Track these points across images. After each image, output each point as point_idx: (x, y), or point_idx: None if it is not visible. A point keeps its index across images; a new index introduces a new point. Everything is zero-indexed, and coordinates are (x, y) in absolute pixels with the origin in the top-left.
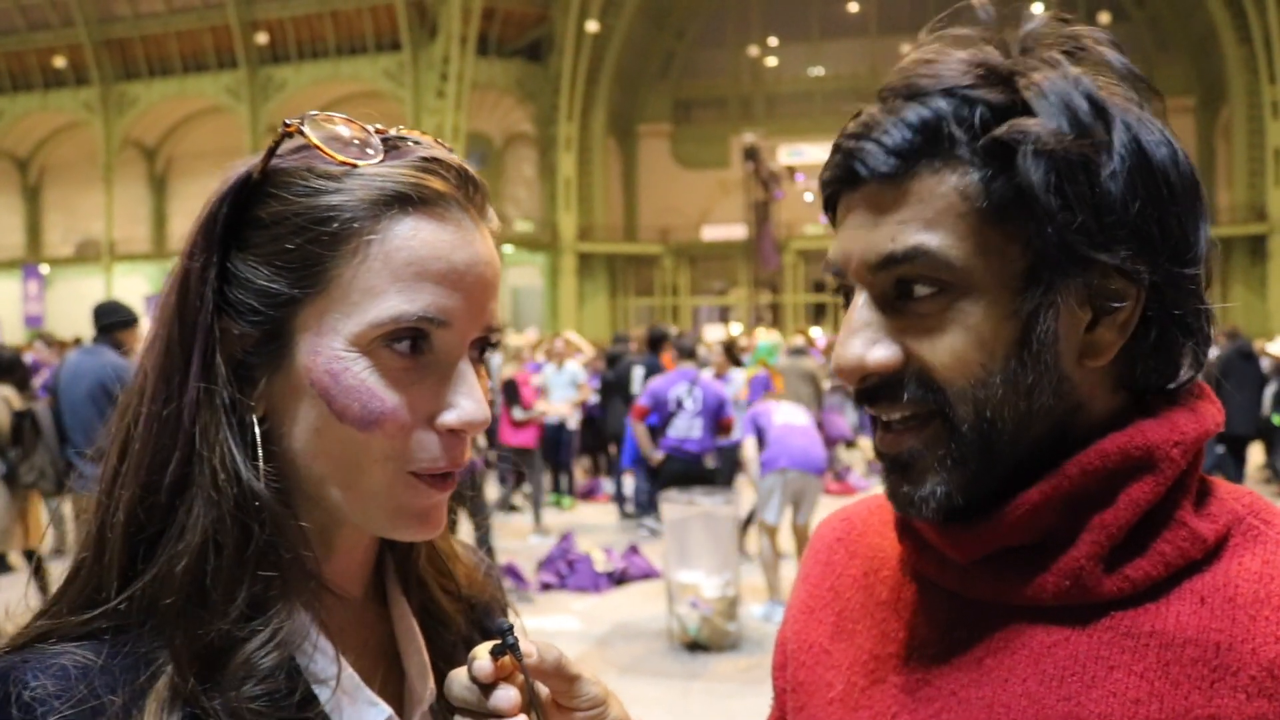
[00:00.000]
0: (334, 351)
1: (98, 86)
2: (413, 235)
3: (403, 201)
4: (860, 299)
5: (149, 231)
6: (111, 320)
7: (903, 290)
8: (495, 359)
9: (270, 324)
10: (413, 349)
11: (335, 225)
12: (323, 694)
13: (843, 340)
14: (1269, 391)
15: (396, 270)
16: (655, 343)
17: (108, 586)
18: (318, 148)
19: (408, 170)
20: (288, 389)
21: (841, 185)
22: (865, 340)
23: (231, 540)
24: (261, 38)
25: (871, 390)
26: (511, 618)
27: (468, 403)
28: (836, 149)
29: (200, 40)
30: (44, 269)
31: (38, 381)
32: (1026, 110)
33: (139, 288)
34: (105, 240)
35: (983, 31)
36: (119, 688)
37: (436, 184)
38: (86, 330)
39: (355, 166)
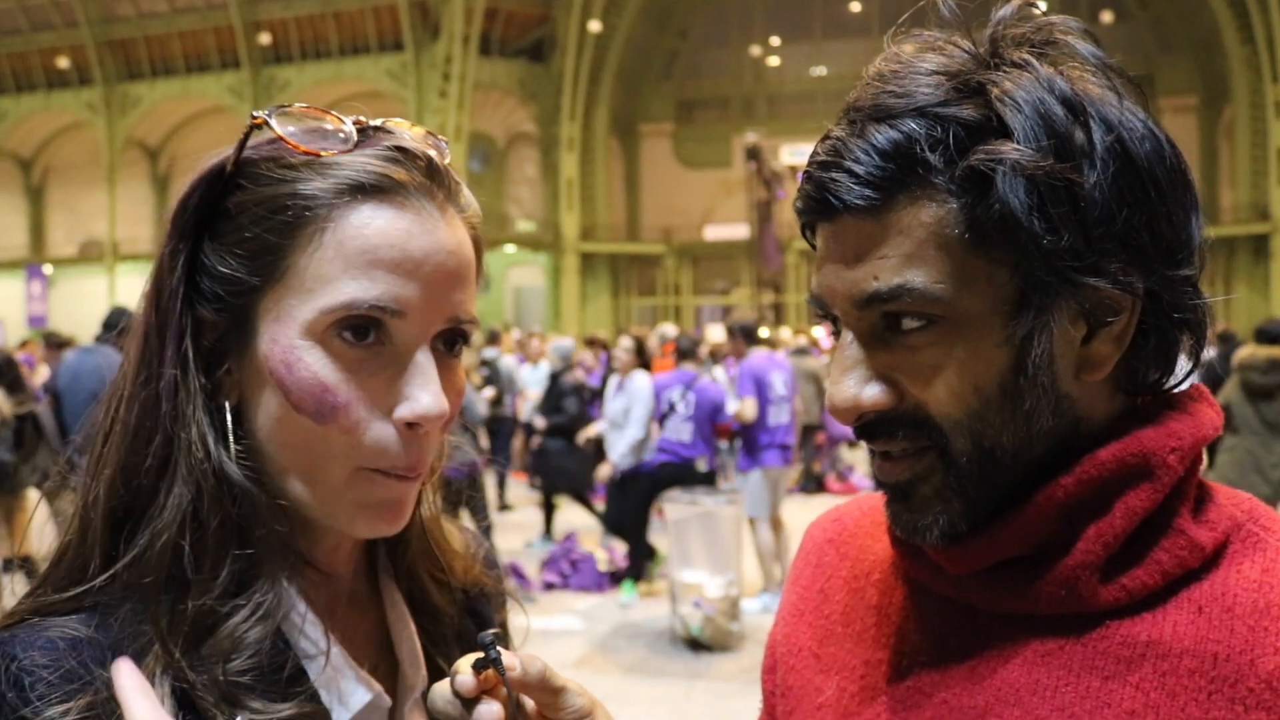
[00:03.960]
0: (289, 341)
1: (101, 87)
2: (367, 223)
3: (360, 190)
4: (848, 336)
5: (152, 232)
6: (123, 323)
7: (890, 323)
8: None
9: (235, 312)
10: (367, 338)
11: (290, 213)
12: (312, 669)
13: (835, 380)
14: None
15: (349, 257)
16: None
17: (91, 566)
18: (281, 138)
19: (369, 159)
20: (254, 377)
21: (816, 216)
22: (858, 379)
23: (208, 519)
24: (264, 38)
25: (869, 426)
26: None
27: (424, 395)
28: (808, 177)
29: (203, 40)
30: (47, 269)
31: (38, 380)
32: (1000, 125)
33: (142, 288)
34: (109, 240)
35: (949, 31)
36: (108, 660)
37: (397, 172)
38: (90, 331)
39: (318, 156)
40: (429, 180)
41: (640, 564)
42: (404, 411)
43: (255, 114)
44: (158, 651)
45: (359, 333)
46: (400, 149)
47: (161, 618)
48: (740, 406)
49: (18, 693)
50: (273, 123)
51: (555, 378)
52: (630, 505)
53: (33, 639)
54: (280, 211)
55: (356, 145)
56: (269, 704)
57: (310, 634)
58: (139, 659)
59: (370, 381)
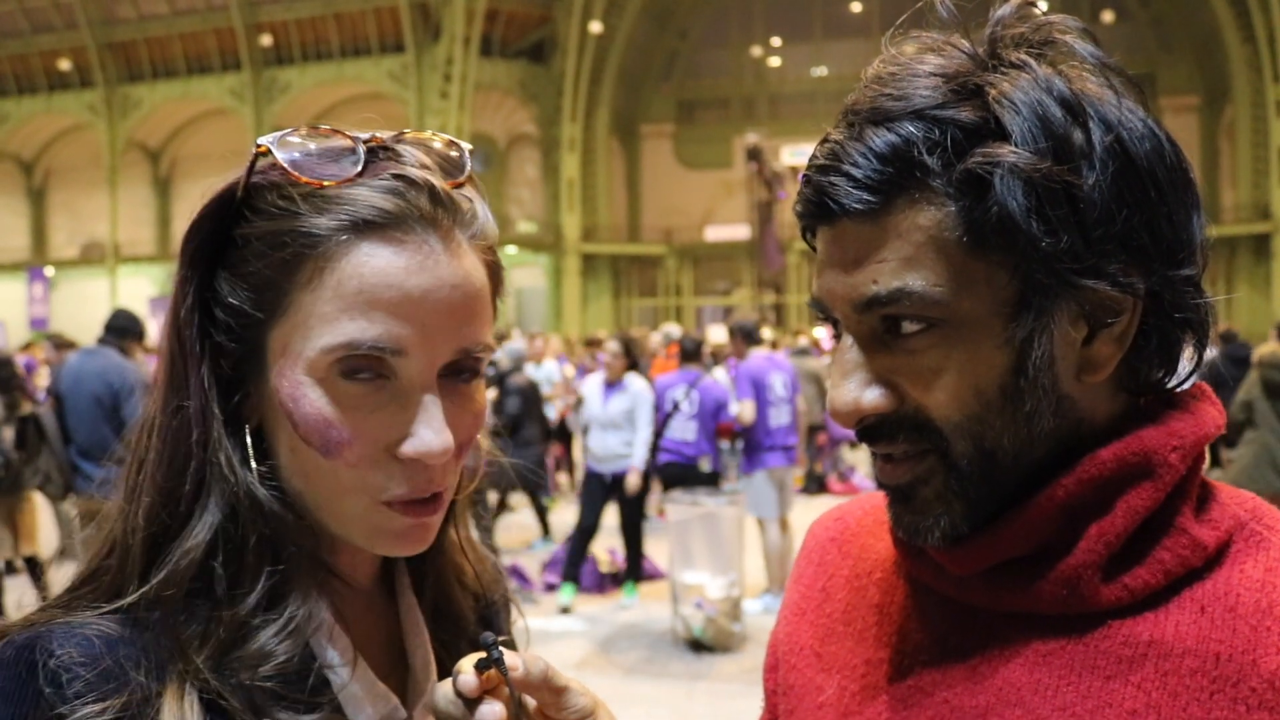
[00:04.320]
0: (295, 377)
1: (102, 89)
2: (365, 263)
3: (358, 227)
4: (848, 339)
5: (154, 233)
6: (125, 326)
7: (890, 326)
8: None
9: (247, 342)
10: (370, 375)
11: (289, 251)
12: (335, 680)
13: (836, 384)
14: None
15: (347, 298)
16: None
17: (128, 589)
18: (281, 168)
19: (370, 193)
20: (269, 406)
21: (816, 220)
22: (858, 383)
23: (245, 537)
24: (265, 40)
25: (870, 429)
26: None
27: (426, 432)
28: (807, 181)
29: (204, 42)
30: (49, 271)
31: (41, 383)
32: (999, 126)
33: (144, 290)
34: (110, 242)
35: (948, 32)
36: (142, 660)
37: (398, 206)
38: (92, 333)
39: (321, 187)
40: (433, 209)
41: (639, 565)
42: (407, 449)
43: (260, 141)
44: (188, 659)
45: (361, 370)
46: (403, 178)
47: (194, 628)
48: (739, 409)
49: (55, 690)
50: (276, 151)
51: (502, 378)
52: (628, 507)
53: (69, 636)
54: (280, 248)
55: (363, 171)
56: (295, 714)
57: (335, 645)
58: (169, 665)
59: (375, 417)
